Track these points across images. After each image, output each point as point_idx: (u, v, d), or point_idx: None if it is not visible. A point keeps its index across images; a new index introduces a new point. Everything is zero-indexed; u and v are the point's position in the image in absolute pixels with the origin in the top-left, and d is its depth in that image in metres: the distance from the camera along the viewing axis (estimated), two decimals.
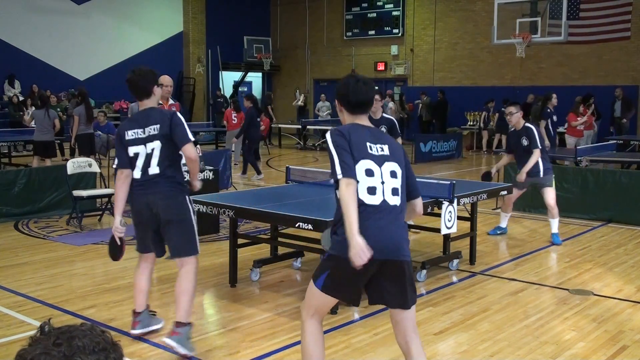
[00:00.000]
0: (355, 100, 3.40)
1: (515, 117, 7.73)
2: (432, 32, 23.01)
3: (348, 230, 3.08)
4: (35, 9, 20.50)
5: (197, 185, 4.71)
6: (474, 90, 21.51)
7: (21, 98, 18.60)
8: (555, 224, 7.81)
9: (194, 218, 4.53)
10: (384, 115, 8.08)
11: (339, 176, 3.18)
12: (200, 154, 7.73)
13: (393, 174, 3.33)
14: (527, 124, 7.73)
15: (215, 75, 25.27)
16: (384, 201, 3.26)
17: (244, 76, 25.53)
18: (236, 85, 25.02)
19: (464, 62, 22.30)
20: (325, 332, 4.75)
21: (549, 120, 12.46)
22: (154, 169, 4.37)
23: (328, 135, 3.32)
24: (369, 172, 3.26)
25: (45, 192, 8.96)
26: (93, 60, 21.81)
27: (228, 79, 25.36)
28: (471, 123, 20.54)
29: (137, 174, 4.42)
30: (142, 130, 4.39)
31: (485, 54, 21.65)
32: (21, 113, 16.86)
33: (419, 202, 3.54)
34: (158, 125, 4.37)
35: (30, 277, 6.15)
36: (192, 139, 4.46)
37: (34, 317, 5.00)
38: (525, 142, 7.61)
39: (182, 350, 4.27)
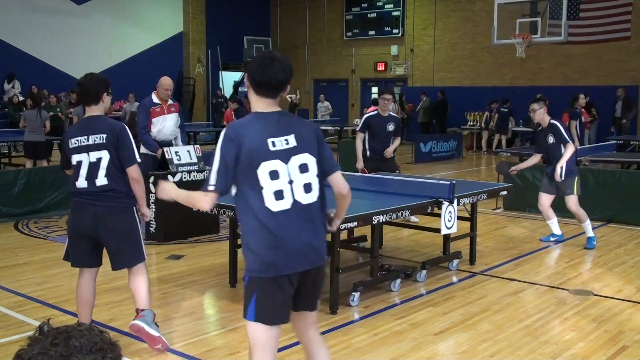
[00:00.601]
0: (260, 79, 3.00)
1: (539, 114, 7.32)
2: (432, 32, 23.01)
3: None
4: (35, 9, 20.50)
5: (147, 213, 4.51)
6: (474, 91, 21.52)
7: (21, 98, 18.59)
8: (588, 228, 7.47)
9: (140, 227, 4.42)
10: (391, 113, 8.41)
11: (211, 187, 2.92)
12: (200, 154, 7.74)
13: (303, 168, 2.98)
14: (553, 121, 7.37)
15: (215, 76, 25.27)
16: (295, 202, 2.95)
17: (244, 76, 25.51)
18: (236, 85, 25.00)
19: (464, 62, 22.30)
20: (325, 332, 4.75)
21: (577, 121, 12.44)
22: (101, 180, 4.18)
23: (221, 134, 3.00)
24: (274, 175, 2.92)
25: (45, 192, 8.96)
26: (93, 60, 21.75)
27: (228, 79, 25.36)
28: (471, 123, 20.54)
29: (81, 183, 4.19)
30: (86, 137, 4.19)
31: (485, 54, 21.65)
32: (20, 113, 16.86)
33: (336, 177, 3.12)
34: (105, 135, 4.19)
35: (30, 277, 6.15)
36: (139, 160, 4.29)
37: (34, 317, 5.00)
38: (551, 139, 7.26)
39: (150, 330, 4.28)
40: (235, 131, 2.96)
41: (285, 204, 2.93)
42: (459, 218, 6.25)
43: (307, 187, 2.99)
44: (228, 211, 5.56)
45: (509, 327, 4.93)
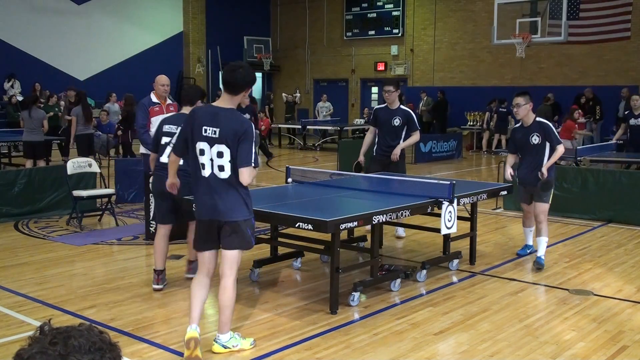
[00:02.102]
0: (223, 77, 4.32)
1: (524, 110, 6.65)
2: (432, 32, 23.01)
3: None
4: (35, 9, 20.50)
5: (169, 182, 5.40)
6: (474, 90, 21.52)
7: (20, 98, 18.59)
8: (544, 245, 6.69)
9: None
10: (402, 107, 7.83)
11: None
12: None
13: (219, 154, 4.15)
14: (540, 119, 6.76)
15: (216, 75, 25.26)
16: (212, 174, 4.20)
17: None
18: None
19: (464, 62, 22.30)
20: (325, 332, 4.76)
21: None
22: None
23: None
24: (202, 152, 4.19)
25: (45, 192, 8.96)
26: (93, 60, 21.81)
27: None
28: (471, 123, 20.54)
29: (164, 159, 5.65)
30: (176, 127, 5.65)
31: (485, 54, 21.65)
32: (19, 113, 16.87)
33: (241, 171, 4.15)
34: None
35: (30, 277, 6.15)
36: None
37: (34, 317, 4.99)
38: (536, 139, 6.59)
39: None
40: (193, 113, 4.39)
41: (206, 173, 4.22)
42: (459, 218, 6.25)
43: (221, 168, 4.18)
44: None
45: (509, 327, 4.92)
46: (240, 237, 4.29)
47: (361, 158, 7.92)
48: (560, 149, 6.56)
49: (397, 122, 7.70)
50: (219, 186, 4.20)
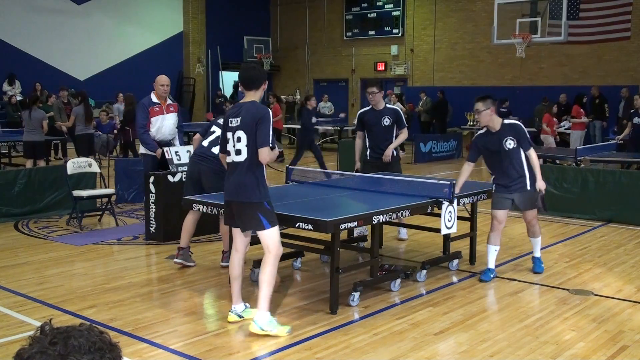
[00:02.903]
0: (239, 77, 4.89)
1: (485, 116, 6.03)
2: (432, 32, 23.01)
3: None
4: (35, 9, 20.49)
5: None
6: (474, 91, 21.47)
7: (20, 98, 18.59)
8: (539, 246, 6.51)
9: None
10: (388, 106, 7.66)
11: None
12: None
13: (238, 140, 4.67)
14: (509, 121, 6.20)
15: (215, 76, 25.27)
16: (233, 160, 4.73)
17: None
18: (236, 85, 25.00)
19: (464, 62, 22.30)
20: (325, 332, 4.76)
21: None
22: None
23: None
24: (227, 141, 4.75)
25: (45, 192, 8.96)
26: (93, 60, 21.81)
27: (228, 79, 25.35)
28: (471, 123, 20.53)
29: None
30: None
31: (485, 54, 21.65)
32: (19, 113, 16.87)
33: (260, 151, 4.60)
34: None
35: (30, 277, 6.14)
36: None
37: (34, 317, 4.99)
38: (511, 144, 5.99)
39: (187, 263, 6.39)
40: (229, 110, 4.99)
41: (230, 159, 4.78)
42: (459, 218, 6.24)
43: (238, 152, 4.69)
44: None
45: (509, 327, 4.92)
46: (251, 219, 4.66)
47: (358, 165, 7.78)
48: (534, 155, 6.07)
49: (387, 121, 7.52)
50: (236, 169, 4.68)
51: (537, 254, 6.53)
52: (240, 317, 4.96)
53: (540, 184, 6.08)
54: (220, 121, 6.02)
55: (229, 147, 4.75)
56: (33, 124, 11.68)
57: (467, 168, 6.27)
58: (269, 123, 4.65)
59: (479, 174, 15.26)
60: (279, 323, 4.71)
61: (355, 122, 7.92)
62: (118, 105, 16.62)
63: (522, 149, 6.04)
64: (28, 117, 11.67)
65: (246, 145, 4.63)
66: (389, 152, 7.50)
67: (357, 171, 7.74)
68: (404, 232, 7.88)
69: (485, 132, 6.18)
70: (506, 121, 6.14)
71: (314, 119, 14.20)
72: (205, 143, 6.44)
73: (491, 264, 6.25)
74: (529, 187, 6.13)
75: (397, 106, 9.44)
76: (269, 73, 26.59)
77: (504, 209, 6.20)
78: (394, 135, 7.59)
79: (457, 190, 6.02)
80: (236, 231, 4.89)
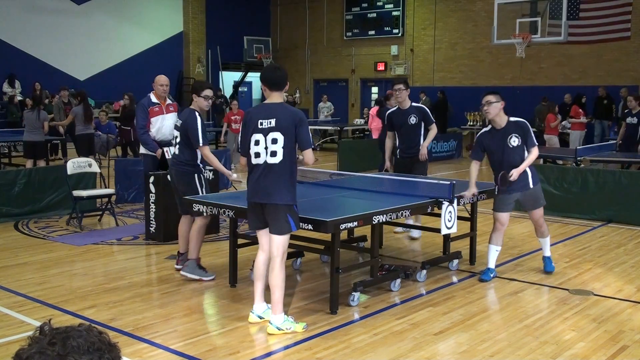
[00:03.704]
0: (263, 78, 4.81)
1: (495, 108, 5.96)
2: (432, 32, 23.01)
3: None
4: (35, 9, 20.49)
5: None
6: (474, 91, 21.49)
7: (20, 98, 18.60)
8: (548, 245, 6.49)
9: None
10: (413, 104, 7.83)
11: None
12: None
13: (274, 141, 4.59)
14: (515, 119, 6.09)
15: (215, 76, 25.27)
16: (265, 162, 4.63)
17: (244, 76, 25.52)
18: (236, 85, 25.00)
19: (464, 62, 22.29)
20: (325, 332, 4.76)
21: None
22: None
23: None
24: (257, 142, 4.65)
25: (45, 192, 8.96)
26: (93, 60, 21.80)
27: (228, 79, 25.35)
28: (471, 123, 20.53)
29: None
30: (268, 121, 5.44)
31: (485, 54, 21.65)
32: (20, 113, 16.88)
33: (305, 153, 4.67)
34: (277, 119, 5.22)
35: (30, 277, 6.14)
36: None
37: (34, 317, 4.99)
38: (516, 141, 5.97)
39: (190, 275, 5.99)
40: (250, 109, 4.93)
41: (260, 161, 4.67)
42: (459, 218, 6.24)
43: (273, 153, 4.61)
44: (228, 211, 5.57)
45: (509, 327, 4.92)
46: (277, 221, 4.66)
47: (387, 163, 7.98)
48: (536, 152, 6.05)
49: (413, 120, 7.70)
50: (269, 171, 4.63)
51: (547, 253, 6.48)
52: (261, 318, 4.95)
53: (517, 173, 5.94)
54: (179, 123, 6.09)
55: (259, 148, 4.65)
56: (37, 124, 11.70)
57: (475, 167, 6.26)
58: (307, 125, 4.73)
59: (479, 173, 15.25)
60: (294, 321, 4.79)
61: (385, 122, 8.18)
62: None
63: (527, 146, 6.00)
64: (36, 117, 11.69)
65: (282, 147, 4.58)
66: (424, 150, 7.71)
67: (386, 170, 7.88)
68: (416, 232, 7.94)
69: (490, 130, 6.14)
70: (512, 119, 6.09)
71: None
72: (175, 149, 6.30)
73: (491, 264, 6.25)
74: (531, 186, 6.10)
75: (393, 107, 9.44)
76: None
77: (507, 212, 6.19)
78: (422, 132, 7.75)
79: (473, 191, 6.20)
80: (263, 232, 4.87)
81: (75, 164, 8.46)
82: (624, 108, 17.44)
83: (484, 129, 6.26)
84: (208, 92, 6.21)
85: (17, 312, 5.14)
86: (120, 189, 9.90)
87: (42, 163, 12.13)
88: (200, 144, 5.94)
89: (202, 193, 6.09)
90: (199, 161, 6.15)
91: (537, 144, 6.12)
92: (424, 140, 7.74)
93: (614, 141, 13.24)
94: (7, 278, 6.08)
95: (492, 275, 6.21)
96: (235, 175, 6.54)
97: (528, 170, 6.07)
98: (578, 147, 12.15)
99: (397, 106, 7.89)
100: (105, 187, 9.07)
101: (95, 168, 8.69)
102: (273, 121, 4.60)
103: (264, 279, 4.96)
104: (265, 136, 4.61)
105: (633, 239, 7.96)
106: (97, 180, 9.30)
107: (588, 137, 17.42)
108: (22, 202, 8.74)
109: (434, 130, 7.78)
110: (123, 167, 10.30)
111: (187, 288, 5.87)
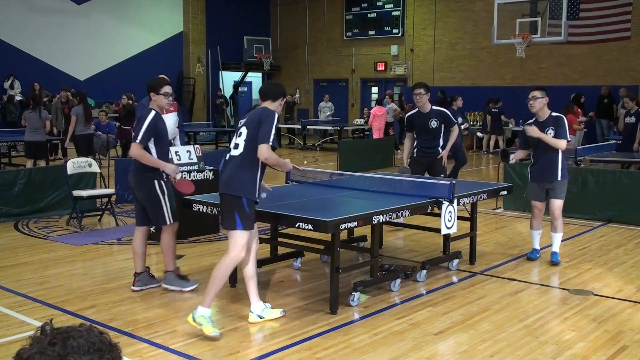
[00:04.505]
0: (258, 91, 5.10)
1: (540, 103, 6.62)
2: (432, 32, 23.00)
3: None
4: (35, 9, 20.49)
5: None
6: (474, 91, 21.50)
7: (19, 98, 18.60)
8: (559, 241, 6.87)
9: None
10: (434, 108, 7.99)
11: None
12: (200, 154, 7.73)
13: (239, 134, 4.81)
14: (556, 113, 6.69)
15: (215, 76, 25.26)
16: (230, 154, 4.85)
17: (244, 76, 25.51)
18: (236, 85, 25.01)
19: (464, 62, 22.28)
20: (325, 332, 4.76)
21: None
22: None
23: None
24: (235, 136, 4.90)
25: (45, 192, 8.96)
26: (93, 60, 21.79)
27: (228, 79, 25.34)
28: (471, 123, 20.52)
29: None
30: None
31: (485, 54, 21.64)
32: (18, 113, 16.88)
33: (259, 147, 4.63)
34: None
35: (30, 277, 6.15)
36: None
37: (34, 317, 4.99)
38: (552, 133, 6.57)
39: (175, 288, 5.66)
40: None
41: (228, 154, 4.91)
42: (459, 218, 6.25)
43: (236, 146, 4.81)
44: None
45: (509, 327, 4.92)
46: (224, 214, 4.78)
47: (405, 163, 8.10)
48: (562, 143, 6.56)
49: (434, 124, 7.88)
50: (231, 163, 4.79)
51: (556, 248, 6.83)
52: (261, 317, 4.95)
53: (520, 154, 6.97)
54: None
55: (231, 144, 4.90)
56: (38, 124, 11.72)
57: (520, 154, 7.05)
58: (273, 122, 4.70)
59: (479, 173, 15.27)
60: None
61: (405, 123, 8.40)
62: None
63: (557, 136, 6.56)
64: (38, 117, 11.70)
65: (244, 140, 4.74)
66: (445, 154, 7.96)
67: (405, 168, 7.99)
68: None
69: (534, 122, 6.72)
70: (553, 114, 6.67)
71: (459, 120, 13.15)
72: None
73: (536, 245, 6.95)
74: (559, 178, 6.63)
75: (392, 107, 9.49)
76: (269, 73, 26.65)
77: (541, 201, 6.83)
78: (441, 135, 7.96)
79: (518, 156, 6.97)
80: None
81: (75, 164, 8.47)
82: (622, 108, 17.50)
83: (529, 121, 6.86)
84: (167, 89, 5.61)
85: (17, 312, 5.14)
86: (120, 189, 9.89)
87: (42, 163, 12.14)
88: (137, 140, 5.36)
89: (165, 200, 5.57)
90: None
91: (567, 139, 6.65)
92: (443, 141, 7.97)
93: (614, 141, 13.25)
94: (7, 278, 6.08)
95: (538, 255, 6.90)
96: (179, 176, 5.75)
97: (559, 164, 6.62)
98: (578, 147, 12.15)
99: (417, 109, 8.04)
100: (105, 187, 9.08)
101: (95, 168, 8.69)
102: (246, 118, 4.89)
103: (254, 278, 5.00)
104: (237, 132, 4.87)
105: (633, 239, 7.96)
106: (97, 180, 9.30)
107: (591, 136, 17.43)
108: (22, 202, 8.74)
109: (455, 131, 8.05)
110: (123, 167, 10.27)
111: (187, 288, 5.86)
